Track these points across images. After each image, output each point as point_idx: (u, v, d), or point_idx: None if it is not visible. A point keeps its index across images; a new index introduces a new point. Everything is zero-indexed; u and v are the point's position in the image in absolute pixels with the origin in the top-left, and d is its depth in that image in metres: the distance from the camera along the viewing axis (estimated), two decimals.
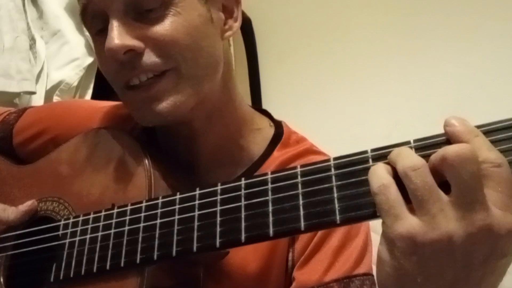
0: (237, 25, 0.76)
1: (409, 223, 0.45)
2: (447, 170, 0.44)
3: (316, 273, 0.71)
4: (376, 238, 0.54)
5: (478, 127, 0.47)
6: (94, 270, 0.65)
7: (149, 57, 0.67)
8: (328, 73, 1.99)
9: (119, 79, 0.71)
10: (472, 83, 1.68)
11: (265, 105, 2.02)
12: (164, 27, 0.67)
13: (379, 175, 0.47)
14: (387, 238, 0.46)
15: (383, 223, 0.47)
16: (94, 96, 1.69)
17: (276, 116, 0.88)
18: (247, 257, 0.73)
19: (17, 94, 1.55)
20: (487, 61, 1.68)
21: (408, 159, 0.46)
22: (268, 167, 0.77)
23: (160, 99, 0.68)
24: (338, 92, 1.96)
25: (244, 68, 1.98)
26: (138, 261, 0.62)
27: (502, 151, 0.46)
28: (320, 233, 0.73)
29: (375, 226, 1.12)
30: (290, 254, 0.74)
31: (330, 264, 0.71)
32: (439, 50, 1.78)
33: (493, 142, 0.46)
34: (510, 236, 0.44)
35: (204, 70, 0.71)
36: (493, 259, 0.45)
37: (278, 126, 0.84)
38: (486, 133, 0.47)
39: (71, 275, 0.67)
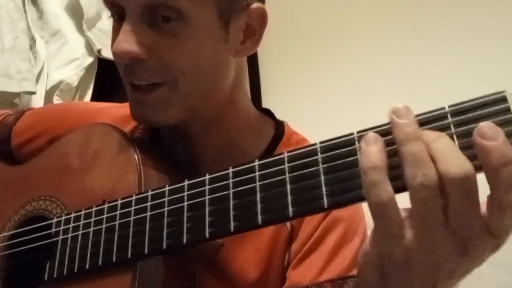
0: (255, 47, 0.75)
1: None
2: (448, 187, 0.44)
3: (311, 272, 0.70)
4: None
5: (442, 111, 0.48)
6: (87, 266, 0.65)
7: (150, 67, 0.68)
8: (328, 73, 1.99)
9: (123, 76, 0.72)
10: (472, 83, 1.68)
11: (265, 105, 2.02)
12: (173, 45, 0.67)
13: (373, 158, 0.46)
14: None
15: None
16: (94, 96, 1.70)
17: (276, 116, 0.87)
18: (246, 258, 0.73)
19: (17, 94, 1.56)
20: (487, 61, 1.68)
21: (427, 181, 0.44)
22: None
23: (151, 107, 0.71)
24: (338, 92, 1.95)
25: None
26: (129, 255, 0.61)
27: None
28: (316, 234, 0.72)
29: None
30: (287, 255, 0.74)
31: (325, 265, 0.71)
32: (439, 50, 1.77)
33: (464, 122, 0.46)
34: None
35: (202, 89, 0.72)
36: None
37: (280, 126, 0.83)
38: (457, 113, 0.47)
39: (65, 273, 0.66)
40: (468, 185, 0.43)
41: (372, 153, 0.46)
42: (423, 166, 0.44)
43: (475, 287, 0.63)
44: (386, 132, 0.49)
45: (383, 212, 0.45)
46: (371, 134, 0.47)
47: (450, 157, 0.44)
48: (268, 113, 0.86)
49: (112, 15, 0.72)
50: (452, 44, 1.74)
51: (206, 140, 0.77)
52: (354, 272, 0.70)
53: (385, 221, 0.45)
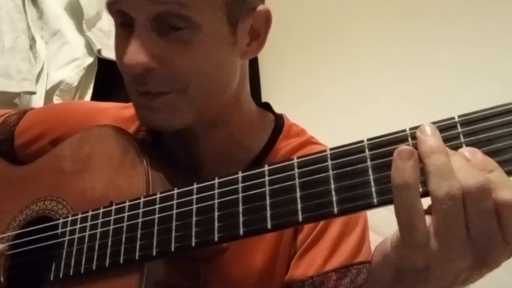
0: (260, 49, 0.75)
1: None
2: (467, 198, 0.45)
3: (315, 263, 0.72)
4: (376, 238, 0.54)
5: (451, 120, 0.48)
6: (94, 268, 0.65)
7: (160, 77, 0.68)
8: (328, 73, 1.99)
9: (132, 85, 0.72)
10: (473, 84, 1.68)
11: None
12: (184, 53, 0.67)
13: (408, 176, 0.47)
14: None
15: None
16: (94, 96, 1.69)
17: None
18: (252, 251, 0.74)
19: (17, 94, 1.55)
20: (487, 62, 1.68)
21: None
22: (272, 160, 0.77)
23: (159, 111, 0.70)
24: (338, 92, 1.96)
25: None
26: (137, 257, 0.62)
27: (481, 141, 0.47)
28: (320, 225, 0.74)
29: (375, 226, 1.11)
30: (293, 246, 0.75)
31: (329, 255, 0.72)
32: (439, 50, 1.77)
33: (474, 132, 0.47)
34: None
35: (211, 93, 0.72)
36: None
37: (279, 119, 0.84)
38: (466, 123, 0.48)
39: (71, 274, 0.67)
40: (484, 196, 0.44)
41: (406, 169, 0.46)
42: (448, 177, 0.45)
43: (475, 287, 0.63)
44: (398, 140, 0.49)
45: (411, 226, 0.46)
46: (405, 147, 0.47)
47: (466, 170, 0.45)
48: (267, 106, 0.87)
49: (118, 23, 0.71)
50: (453, 45, 1.74)
51: (209, 141, 0.78)
52: (357, 259, 0.72)
53: (411, 232, 0.46)
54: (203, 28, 0.66)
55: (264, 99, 2.05)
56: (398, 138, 0.50)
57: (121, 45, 0.70)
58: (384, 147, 0.50)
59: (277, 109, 0.87)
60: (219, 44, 0.69)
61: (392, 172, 0.47)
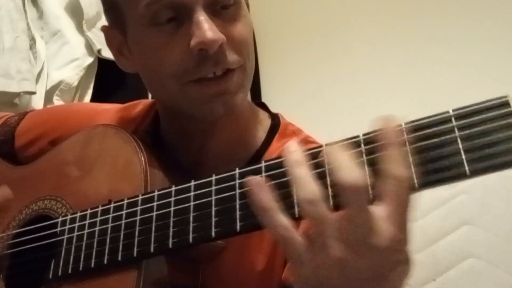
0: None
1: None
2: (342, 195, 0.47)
3: None
4: None
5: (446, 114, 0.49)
6: (92, 265, 0.65)
7: (229, 53, 0.69)
8: (328, 73, 1.99)
9: (192, 73, 0.70)
10: (473, 83, 1.68)
11: None
12: (240, 26, 0.71)
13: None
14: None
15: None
16: (94, 96, 1.69)
17: None
18: (251, 250, 0.74)
19: (17, 94, 1.55)
20: (487, 62, 1.68)
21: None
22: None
23: (233, 93, 0.71)
24: (338, 92, 1.96)
25: None
26: (135, 254, 0.62)
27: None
28: None
29: None
30: None
31: None
32: (439, 50, 1.78)
33: (468, 125, 0.48)
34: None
35: (254, 68, 0.75)
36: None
37: (275, 117, 0.85)
38: (461, 117, 0.48)
39: (70, 271, 0.67)
40: (359, 193, 0.46)
41: (261, 199, 0.50)
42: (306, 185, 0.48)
43: (475, 287, 0.63)
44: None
45: (285, 240, 0.49)
46: (253, 179, 0.51)
47: (342, 167, 0.47)
48: (263, 106, 0.88)
49: (160, 23, 0.69)
50: (453, 44, 1.75)
51: (215, 138, 0.78)
52: None
53: (289, 247, 0.49)
54: (241, 1, 0.71)
55: (264, 99, 2.07)
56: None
57: (168, 42, 0.69)
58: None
59: (278, 109, 0.88)
60: (248, 15, 0.74)
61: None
